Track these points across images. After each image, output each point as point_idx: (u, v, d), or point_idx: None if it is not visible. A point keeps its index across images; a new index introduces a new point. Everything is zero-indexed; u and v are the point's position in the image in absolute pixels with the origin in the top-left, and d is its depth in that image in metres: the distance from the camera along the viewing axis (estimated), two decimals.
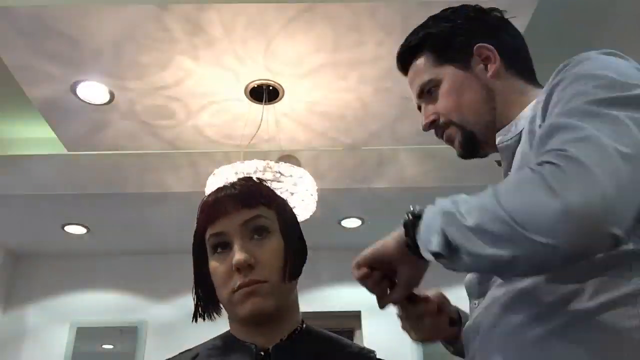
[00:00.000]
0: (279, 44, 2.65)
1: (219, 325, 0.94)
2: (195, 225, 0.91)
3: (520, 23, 2.54)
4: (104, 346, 4.48)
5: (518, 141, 0.88)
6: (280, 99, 3.01)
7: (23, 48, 2.59)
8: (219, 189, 0.91)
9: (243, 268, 0.82)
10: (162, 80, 2.85)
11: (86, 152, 3.54)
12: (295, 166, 2.68)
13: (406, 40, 1.05)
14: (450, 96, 0.97)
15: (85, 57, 2.68)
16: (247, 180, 0.92)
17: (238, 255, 0.82)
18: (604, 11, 2.86)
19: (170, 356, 0.90)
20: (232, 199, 0.87)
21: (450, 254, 0.69)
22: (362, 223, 4.02)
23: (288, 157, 3.19)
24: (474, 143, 0.99)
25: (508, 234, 0.62)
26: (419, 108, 1.05)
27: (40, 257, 4.52)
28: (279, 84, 2.92)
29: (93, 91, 2.91)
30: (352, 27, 2.57)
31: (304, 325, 0.90)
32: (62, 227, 4.07)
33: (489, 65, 0.96)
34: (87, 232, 4.15)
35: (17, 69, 2.73)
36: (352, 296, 4.28)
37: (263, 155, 2.91)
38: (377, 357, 0.89)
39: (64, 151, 3.47)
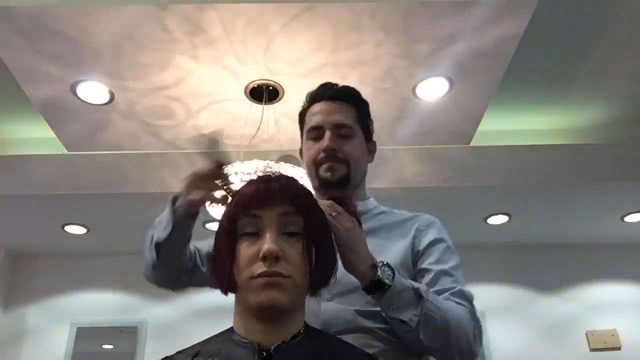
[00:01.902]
0: (278, 44, 2.65)
1: (223, 325, 0.93)
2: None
3: (520, 23, 2.55)
4: (104, 346, 4.48)
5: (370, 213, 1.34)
6: (280, 98, 3.01)
7: (23, 48, 2.59)
8: (262, 179, 0.92)
9: (270, 258, 0.82)
10: (162, 80, 2.85)
11: (86, 152, 3.54)
12: (296, 166, 2.68)
13: (347, 88, 1.40)
14: (357, 150, 1.33)
15: (85, 57, 2.68)
16: (291, 180, 0.94)
17: (268, 245, 0.82)
18: (603, 11, 2.86)
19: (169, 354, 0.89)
20: (275, 191, 0.88)
21: (414, 327, 1.03)
22: None
23: (288, 157, 3.19)
24: (344, 184, 1.30)
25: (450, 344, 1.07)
26: (320, 128, 1.31)
27: (40, 257, 4.52)
28: (279, 84, 2.92)
29: (93, 91, 2.91)
30: (352, 27, 2.57)
31: (306, 327, 0.89)
32: (62, 227, 4.07)
33: (370, 155, 1.39)
34: (87, 232, 4.15)
35: (17, 69, 2.73)
36: None
37: (263, 155, 2.91)
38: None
39: (64, 151, 3.47)
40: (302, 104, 1.41)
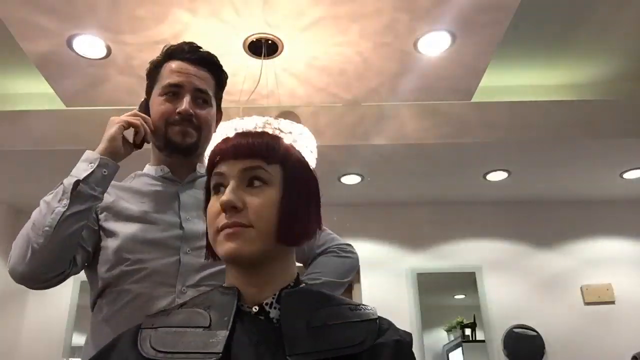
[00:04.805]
0: None
1: None
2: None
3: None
4: None
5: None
6: (280, 53, 2.97)
7: (18, 1, 2.54)
8: (235, 135, 0.94)
9: (228, 209, 0.83)
10: (159, 34, 2.80)
11: (86, 108, 3.51)
12: (295, 122, 2.67)
13: (212, 55, 1.37)
14: (210, 120, 1.34)
15: (81, 9, 2.63)
16: (260, 133, 0.96)
17: (225, 196, 0.83)
18: None
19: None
20: (238, 146, 0.90)
21: None
22: (362, 180, 4.03)
23: (288, 114, 3.17)
24: (192, 151, 1.34)
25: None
26: (180, 87, 1.31)
27: None
28: (278, 38, 2.87)
29: (89, 45, 2.87)
30: None
31: (298, 281, 0.90)
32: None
33: (215, 126, 1.36)
34: None
35: (13, 22, 2.68)
36: None
37: (262, 111, 2.89)
38: (369, 308, 0.88)
39: (63, 106, 3.45)
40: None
